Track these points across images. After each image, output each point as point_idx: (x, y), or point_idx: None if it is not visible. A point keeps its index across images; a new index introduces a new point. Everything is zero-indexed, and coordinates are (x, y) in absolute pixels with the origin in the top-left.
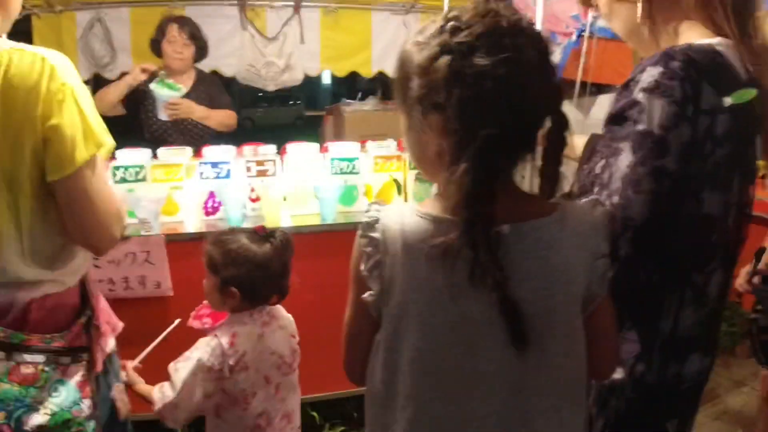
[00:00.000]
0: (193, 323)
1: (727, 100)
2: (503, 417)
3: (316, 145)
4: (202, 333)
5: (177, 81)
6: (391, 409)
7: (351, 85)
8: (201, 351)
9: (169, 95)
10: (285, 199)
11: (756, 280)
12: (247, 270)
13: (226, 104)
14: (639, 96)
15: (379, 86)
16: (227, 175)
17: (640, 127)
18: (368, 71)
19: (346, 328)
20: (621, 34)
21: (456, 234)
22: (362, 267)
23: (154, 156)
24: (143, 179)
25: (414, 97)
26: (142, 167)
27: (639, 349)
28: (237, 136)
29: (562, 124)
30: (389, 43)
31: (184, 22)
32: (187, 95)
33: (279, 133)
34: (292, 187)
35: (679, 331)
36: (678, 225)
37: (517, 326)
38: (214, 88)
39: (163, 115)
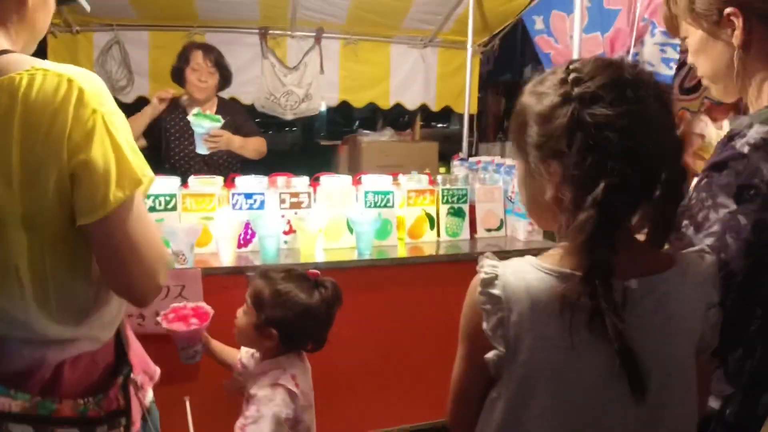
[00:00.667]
0: (173, 325)
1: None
2: None
3: (348, 178)
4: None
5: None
6: None
7: (346, 114)
8: (271, 406)
9: (211, 126)
10: (321, 232)
11: None
12: (294, 315)
13: (254, 131)
14: (744, 149)
15: (380, 117)
16: (261, 206)
17: (744, 179)
18: (386, 103)
19: (457, 385)
20: (704, 73)
21: (577, 284)
22: (485, 326)
23: (182, 185)
24: (173, 209)
25: (532, 144)
26: (173, 196)
27: (728, 388)
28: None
29: (680, 177)
30: (407, 75)
31: (209, 50)
32: None
33: (277, 160)
34: (326, 220)
35: (764, 371)
36: None
37: (637, 376)
38: (239, 116)
39: (202, 149)
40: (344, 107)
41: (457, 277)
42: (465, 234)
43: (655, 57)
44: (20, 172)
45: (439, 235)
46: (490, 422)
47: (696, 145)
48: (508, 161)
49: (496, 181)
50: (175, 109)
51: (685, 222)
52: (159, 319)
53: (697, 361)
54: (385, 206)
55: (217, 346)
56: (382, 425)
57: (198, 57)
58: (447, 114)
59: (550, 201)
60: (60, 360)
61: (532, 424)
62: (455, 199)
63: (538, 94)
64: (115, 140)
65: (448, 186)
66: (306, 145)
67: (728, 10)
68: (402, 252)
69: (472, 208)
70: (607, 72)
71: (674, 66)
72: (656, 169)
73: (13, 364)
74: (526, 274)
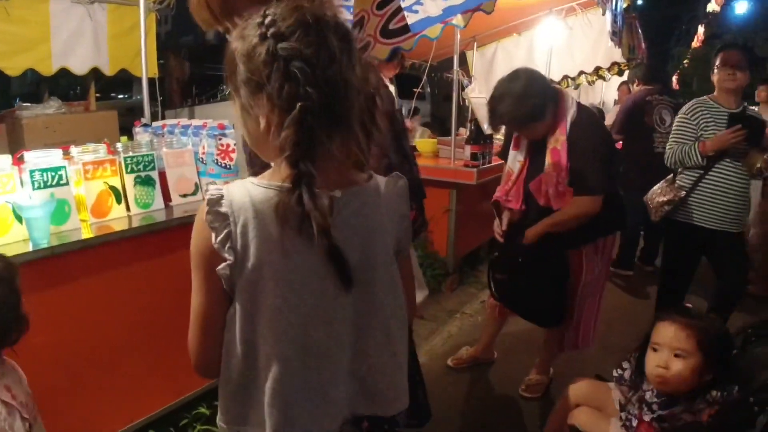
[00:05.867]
0: None
1: None
2: (350, 357)
3: (7, 158)
4: None
5: None
6: (253, 379)
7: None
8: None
9: None
10: None
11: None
12: None
13: None
14: None
15: (45, 88)
16: None
17: None
18: (48, 68)
19: (199, 317)
20: None
21: (287, 193)
22: (213, 240)
23: None
24: None
25: (242, 81)
26: None
27: None
28: None
29: (371, 106)
30: (73, 35)
31: None
32: None
33: None
34: None
35: None
36: None
37: (343, 269)
38: None
39: None
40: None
41: (159, 249)
42: (158, 203)
43: None
44: None
45: (129, 209)
46: (233, 339)
47: None
48: (195, 122)
49: (184, 144)
50: None
51: None
52: None
53: (398, 261)
54: (58, 185)
55: None
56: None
57: None
58: (129, 83)
59: (264, 131)
60: None
61: (266, 327)
62: (141, 166)
63: (243, 37)
64: None
65: (131, 153)
66: None
67: None
68: (88, 233)
69: (163, 175)
70: (294, 14)
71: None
72: (348, 96)
73: None
74: (249, 190)
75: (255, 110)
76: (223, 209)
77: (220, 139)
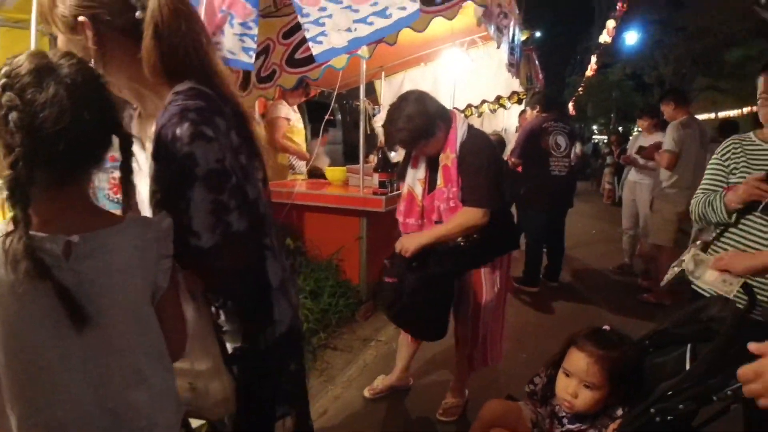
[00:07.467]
0: None
1: None
2: (97, 395)
3: None
4: None
5: None
6: (6, 413)
7: None
8: None
9: None
10: None
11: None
12: None
13: None
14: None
15: None
16: None
17: None
18: None
19: None
20: None
21: (8, 236)
22: None
23: None
24: None
25: None
26: None
27: None
28: None
29: (125, 145)
30: None
31: None
32: None
33: None
34: None
35: None
36: None
37: (73, 310)
38: None
39: None
40: None
41: None
42: None
43: (236, 46)
44: None
45: None
46: None
47: (284, 128)
48: None
49: None
50: None
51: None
52: None
53: (156, 302)
54: None
55: None
56: None
57: None
58: None
59: None
60: None
61: (4, 369)
62: None
63: None
64: None
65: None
66: None
67: (80, 18)
68: None
69: None
70: (23, 65)
71: (253, 55)
72: (68, 145)
73: None
74: None
75: None
76: None
77: (112, 173)
